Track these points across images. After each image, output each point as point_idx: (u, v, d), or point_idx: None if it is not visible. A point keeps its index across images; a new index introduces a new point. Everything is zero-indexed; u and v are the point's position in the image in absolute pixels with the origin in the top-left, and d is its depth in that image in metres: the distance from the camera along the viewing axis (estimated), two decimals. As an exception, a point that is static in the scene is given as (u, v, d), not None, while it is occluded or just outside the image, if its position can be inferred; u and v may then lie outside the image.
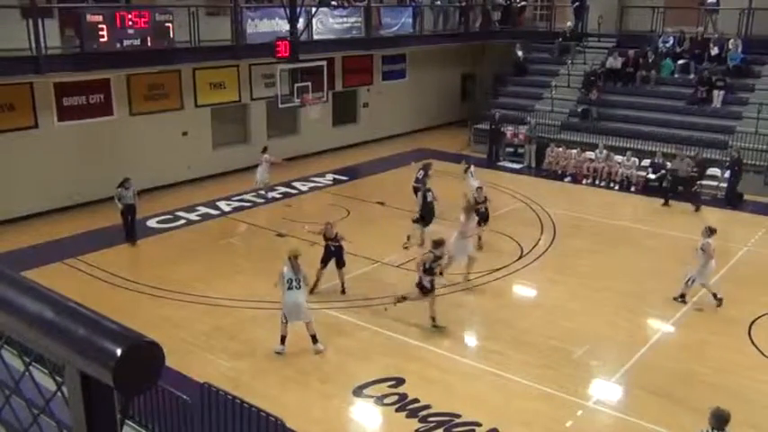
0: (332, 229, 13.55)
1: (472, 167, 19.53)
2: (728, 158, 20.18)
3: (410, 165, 19.89)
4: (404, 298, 12.44)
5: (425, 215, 16.18)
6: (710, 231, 13.11)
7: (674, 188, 19.78)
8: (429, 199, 16.32)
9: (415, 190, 17.16)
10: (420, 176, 17.61)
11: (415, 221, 16.31)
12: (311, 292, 12.39)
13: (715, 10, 25.23)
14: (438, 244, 12.28)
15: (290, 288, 10.97)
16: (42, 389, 1.09)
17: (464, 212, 14.45)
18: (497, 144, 24.61)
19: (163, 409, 8.49)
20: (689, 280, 13.09)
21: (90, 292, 13.05)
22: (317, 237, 13.81)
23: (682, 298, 13.21)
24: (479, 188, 16.43)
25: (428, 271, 12.10)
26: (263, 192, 19.80)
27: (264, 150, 19.74)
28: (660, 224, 18.09)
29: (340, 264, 13.57)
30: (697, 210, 18.98)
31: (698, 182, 19.63)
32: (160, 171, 20.29)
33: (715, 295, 13.05)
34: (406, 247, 15.99)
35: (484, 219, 15.95)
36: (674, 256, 15.77)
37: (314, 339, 11.33)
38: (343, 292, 13.62)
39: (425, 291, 12.18)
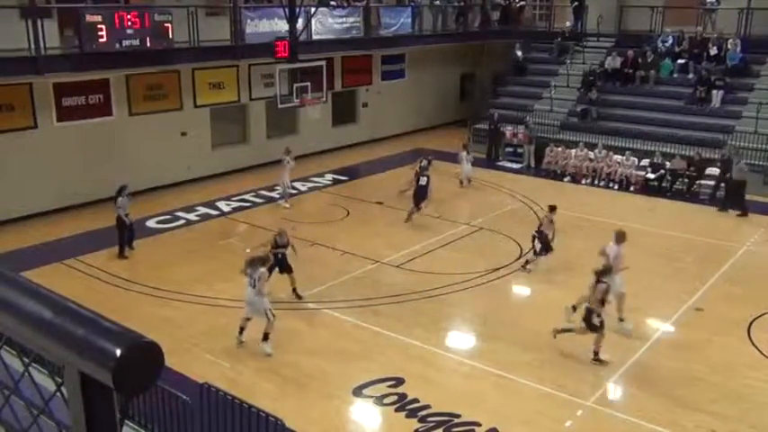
0: (284, 237, 13.29)
1: (466, 151, 20.95)
2: (724, 155, 20.16)
3: None
4: (567, 330, 11.46)
5: (415, 195, 17.52)
6: None
7: (732, 194, 19.13)
8: (423, 183, 17.56)
9: (416, 175, 18.22)
10: (424, 165, 18.56)
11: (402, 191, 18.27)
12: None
13: (714, 9, 25.25)
14: (605, 272, 11.39)
15: (248, 285, 11.46)
16: (42, 389, 1.09)
17: (615, 240, 12.86)
18: (497, 144, 24.64)
19: (162, 410, 8.49)
20: None
21: (89, 293, 13.04)
22: (313, 236, 13.79)
23: None
24: (551, 213, 15.05)
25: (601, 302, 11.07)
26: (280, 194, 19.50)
27: (287, 152, 19.33)
28: (659, 224, 18.09)
29: (287, 269, 13.21)
30: (744, 214, 18.69)
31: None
32: (159, 171, 20.28)
33: None
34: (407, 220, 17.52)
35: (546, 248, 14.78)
36: (674, 255, 15.80)
37: (264, 337, 11.37)
38: (298, 296, 13.30)
39: (594, 328, 11.07)
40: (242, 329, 11.63)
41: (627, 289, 13.51)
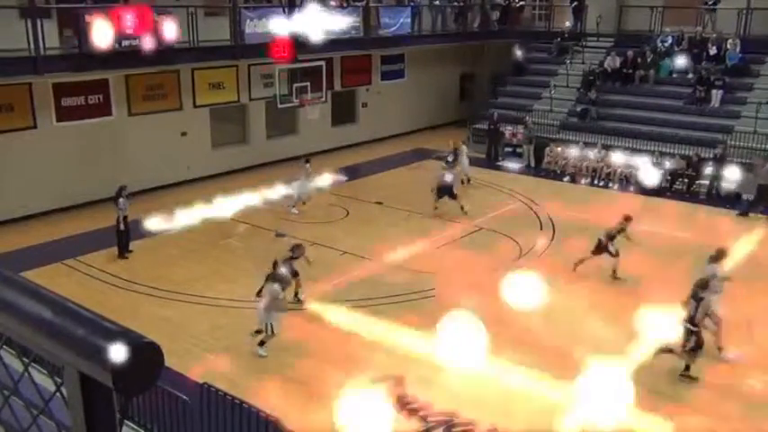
0: (300, 249, 13.15)
1: (464, 146, 21.31)
2: (716, 154, 20.18)
3: None
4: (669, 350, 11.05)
5: (439, 190, 18.20)
6: None
7: (762, 198, 18.62)
8: (448, 179, 18.16)
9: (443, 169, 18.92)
10: (450, 159, 19.11)
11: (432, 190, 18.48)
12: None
13: (713, 9, 25.25)
14: (700, 286, 10.78)
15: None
16: (42, 389, 1.09)
17: (710, 259, 11.79)
18: (496, 144, 24.64)
19: (162, 410, 8.49)
20: None
21: (89, 293, 13.04)
22: (313, 236, 13.73)
23: None
24: (625, 222, 14.65)
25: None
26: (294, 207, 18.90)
27: (307, 161, 19.00)
28: (658, 224, 18.07)
29: (294, 274, 13.15)
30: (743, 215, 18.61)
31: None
32: (159, 171, 20.27)
33: None
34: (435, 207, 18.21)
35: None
36: (673, 254, 15.78)
37: (260, 342, 11.44)
38: (299, 301, 13.30)
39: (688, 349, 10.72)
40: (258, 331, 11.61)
41: (627, 289, 13.47)
